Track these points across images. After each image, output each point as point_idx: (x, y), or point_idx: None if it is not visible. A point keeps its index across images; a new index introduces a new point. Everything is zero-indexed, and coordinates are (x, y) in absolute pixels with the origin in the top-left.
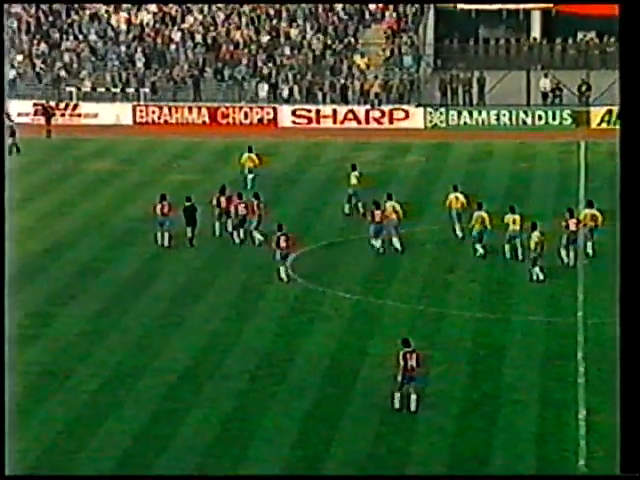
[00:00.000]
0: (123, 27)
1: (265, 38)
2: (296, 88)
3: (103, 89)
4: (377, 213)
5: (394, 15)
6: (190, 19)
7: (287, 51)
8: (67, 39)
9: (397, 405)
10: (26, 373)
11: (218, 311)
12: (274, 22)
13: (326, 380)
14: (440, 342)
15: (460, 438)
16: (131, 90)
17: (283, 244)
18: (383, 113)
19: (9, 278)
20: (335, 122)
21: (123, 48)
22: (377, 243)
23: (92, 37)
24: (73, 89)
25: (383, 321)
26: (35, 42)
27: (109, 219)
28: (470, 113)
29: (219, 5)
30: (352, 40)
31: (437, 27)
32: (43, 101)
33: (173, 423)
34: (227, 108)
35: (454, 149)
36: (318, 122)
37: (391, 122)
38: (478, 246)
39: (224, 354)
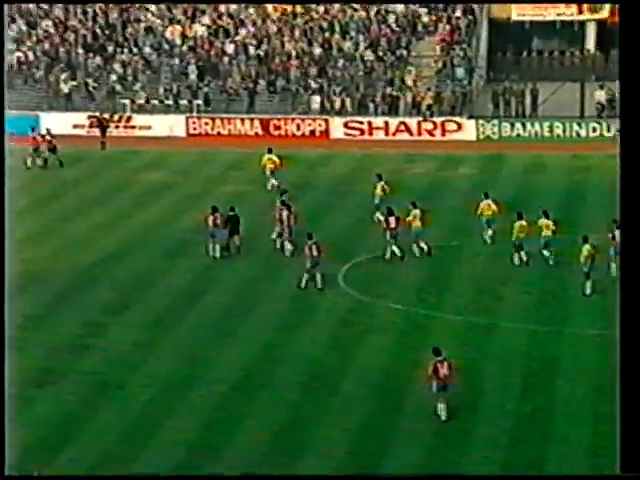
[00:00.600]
0: (177, 40)
1: (317, 50)
2: (348, 100)
3: (157, 101)
4: (391, 220)
5: (447, 27)
6: (243, 32)
7: (339, 63)
8: (122, 52)
9: (444, 417)
10: (81, 382)
11: (270, 322)
12: (327, 34)
13: (378, 392)
14: (492, 354)
15: (513, 452)
16: (184, 102)
17: (315, 253)
18: (435, 125)
19: (64, 288)
20: (387, 134)
21: (177, 61)
22: (396, 249)
23: (147, 50)
24: (127, 101)
25: (435, 333)
26: (90, 55)
27: (162, 230)
28: (523, 125)
29: (272, 17)
30: (404, 52)
31: (490, 39)
32: (97, 113)
33: (226, 433)
34: (279, 120)
35: (507, 161)
36: (370, 134)
37: (443, 134)
38: (516, 255)
39: (276, 365)
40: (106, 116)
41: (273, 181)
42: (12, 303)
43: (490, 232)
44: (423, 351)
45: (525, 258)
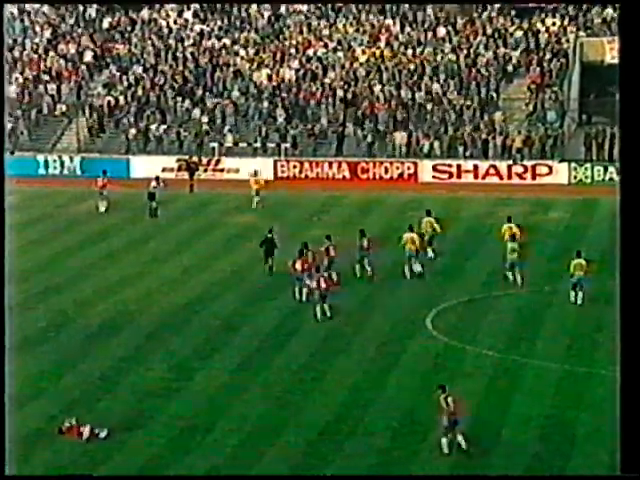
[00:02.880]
0: (265, 83)
1: (406, 93)
2: (437, 143)
3: (245, 144)
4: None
5: (537, 69)
6: (331, 74)
7: (428, 106)
8: (211, 96)
9: (446, 450)
10: (170, 426)
11: (359, 365)
12: (415, 77)
13: (468, 438)
14: (587, 402)
15: None
16: (272, 145)
17: (323, 285)
18: (526, 168)
19: (155, 329)
20: (476, 177)
21: (265, 104)
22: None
23: (235, 93)
24: (216, 145)
25: (527, 380)
26: (180, 99)
27: (250, 273)
28: (616, 169)
29: (360, 61)
30: (494, 95)
31: (582, 82)
32: (186, 157)
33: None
34: (367, 163)
35: (600, 205)
36: (459, 177)
37: (534, 178)
38: (572, 293)
39: (365, 409)
40: (195, 159)
41: (255, 199)
42: (105, 343)
43: (580, 293)
44: (514, 398)
45: (580, 300)
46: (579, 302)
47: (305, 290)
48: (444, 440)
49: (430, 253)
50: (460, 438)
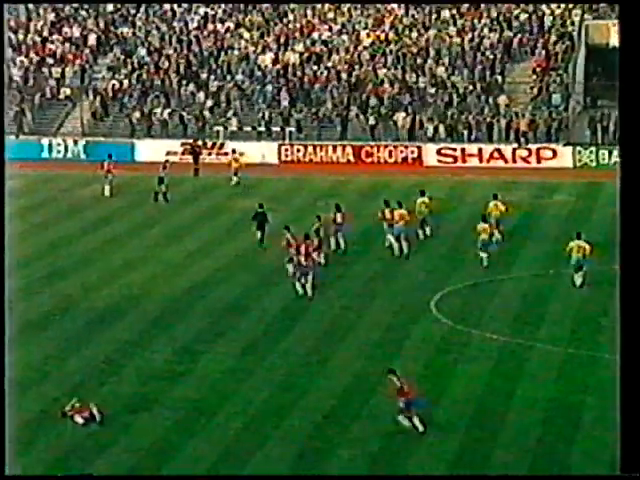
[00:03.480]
0: (269, 66)
1: (410, 77)
2: (441, 126)
3: (249, 128)
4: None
5: (543, 53)
6: (335, 58)
7: (432, 89)
8: (215, 79)
9: (406, 423)
10: (175, 409)
11: (363, 351)
12: (419, 60)
13: (473, 423)
14: (592, 387)
15: None
16: (277, 129)
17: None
18: (530, 152)
19: (159, 314)
20: (481, 161)
21: (269, 87)
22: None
23: (239, 77)
24: (220, 128)
25: (532, 364)
26: (184, 83)
27: (255, 257)
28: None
29: (365, 44)
30: (499, 78)
31: (587, 65)
32: (191, 140)
33: (319, 463)
34: (372, 147)
35: (604, 189)
36: (464, 161)
37: (539, 161)
38: (576, 276)
39: (370, 394)
40: (199, 143)
41: (235, 178)
42: (110, 327)
43: (580, 274)
44: (519, 382)
45: (581, 280)
46: (578, 284)
47: (310, 277)
48: (400, 417)
49: (421, 235)
50: (416, 420)
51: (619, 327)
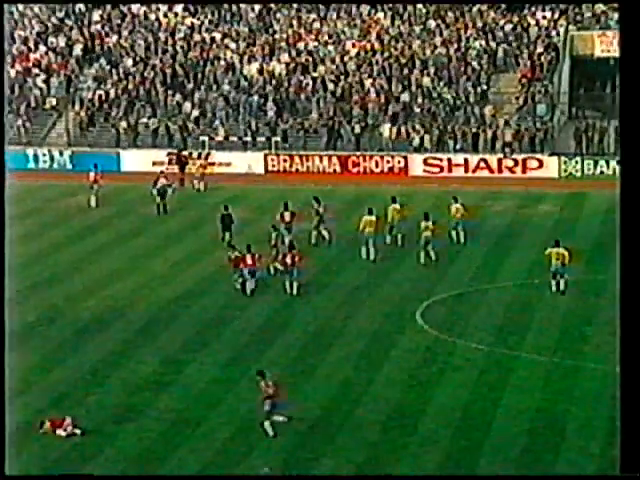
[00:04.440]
0: (255, 76)
1: (396, 87)
2: (427, 137)
3: (235, 138)
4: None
5: (528, 63)
6: (321, 68)
7: (418, 99)
8: (201, 89)
9: (271, 433)
10: (160, 420)
11: (348, 360)
12: (405, 71)
13: (458, 432)
14: (577, 396)
15: None
16: (263, 139)
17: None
18: (516, 162)
19: (144, 324)
20: (467, 171)
21: (255, 98)
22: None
23: (225, 87)
24: (206, 138)
25: (517, 373)
26: (170, 93)
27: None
28: (607, 162)
29: (351, 54)
30: (484, 88)
31: (572, 75)
32: (176, 150)
33: (304, 472)
34: (358, 157)
35: (590, 199)
36: (450, 171)
37: (524, 171)
38: (553, 282)
39: (355, 404)
40: (185, 153)
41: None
42: (95, 338)
43: (561, 281)
44: (504, 391)
45: (563, 287)
46: (561, 289)
47: (296, 284)
48: (267, 423)
49: (388, 239)
50: (277, 417)
51: (619, 325)
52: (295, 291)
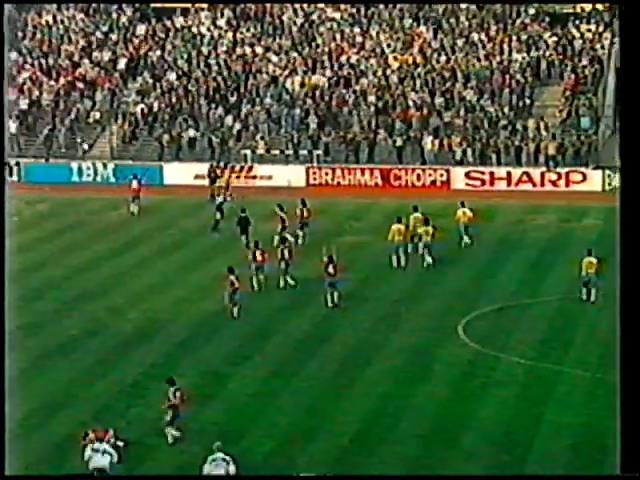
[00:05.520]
0: (297, 90)
1: (439, 100)
2: (469, 150)
3: (277, 151)
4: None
5: (572, 76)
6: (364, 81)
7: (461, 112)
8: (244, 102)
9: (171, 440)
10: (202, 432)
11: (389, 374)
12: (448, 84)
13: (500, 447)
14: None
15: None
16: (304, 152)
17: (259, 258)
18: (559, 175)
19: (186, 337)
20: (509, 184)
21: (297, 111)
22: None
23: (267, 100)
24: (248, 152)
25: (560, 388)
26: (213, 106)
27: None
28: None
29: (393, 68)
30: (528, 101)
31: (617, 88)
32: (214, 164)
33: None
34: (400, 170)
35: None
36: (492, 184)
37: (567, 185)
38: (584, 290)
39: (396, 418)
40: (219, 166)
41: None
42: (137, 350)
43: (592, 291)
44: (547, 406)
45: (594, 297)
46: (592, 299)
47: (337, 294)
48: (168, 429)
49: (410, 247)
50: (174, 431)
51: (620, 326)
52: (336, 301)
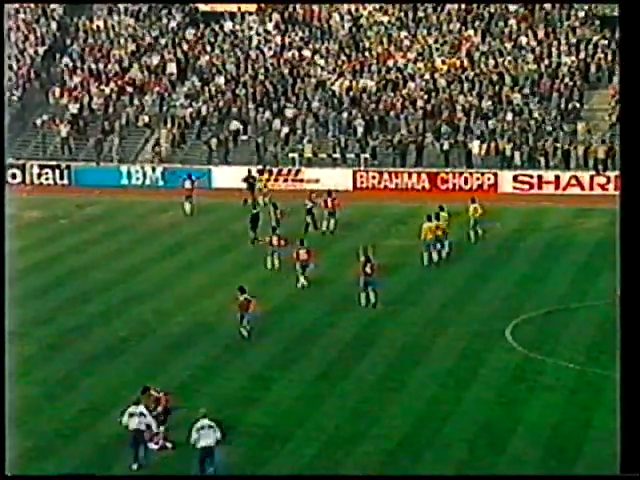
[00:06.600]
0: (345, 93)
1: (487, 103)
2: (517, 153)
3: (324, 155)
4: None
5: None
6: (411, 85)
7: (509, 116)
8: (291, 106)
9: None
10: (248, 435)
11: (436, 377)
12: (496, 87)
13: (548, 452)
14: None
15: None
16: (351, 156)
17: (304, 256)
18: (608, 179)
19: (233, 340)
20: (557, 188)
21: (345, 114)
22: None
23: (315, 104)
24: (296, 155)
25: (609, 393)
26: (261, 110)
27: (329, 283)
28: None
29: (440, 71)
30: (577, 105)
31: None
32: (255, 168)
33: None
34: (447, 174)
35: None
36: (540, 188)
37: (616, 188)
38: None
39: (443, 422)
40: (256, 172)
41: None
42: (184, 353)
43: None
44: (595, 412)
45: None
46: None
47: (372, 294)
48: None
49: (438, 246)
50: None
51: (620, 326)
52: (373, 301)
